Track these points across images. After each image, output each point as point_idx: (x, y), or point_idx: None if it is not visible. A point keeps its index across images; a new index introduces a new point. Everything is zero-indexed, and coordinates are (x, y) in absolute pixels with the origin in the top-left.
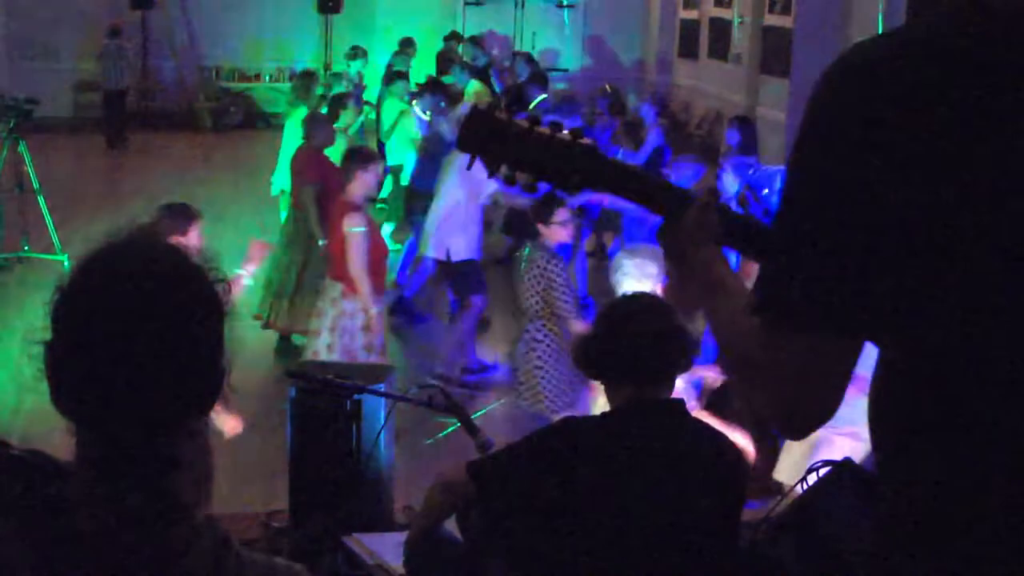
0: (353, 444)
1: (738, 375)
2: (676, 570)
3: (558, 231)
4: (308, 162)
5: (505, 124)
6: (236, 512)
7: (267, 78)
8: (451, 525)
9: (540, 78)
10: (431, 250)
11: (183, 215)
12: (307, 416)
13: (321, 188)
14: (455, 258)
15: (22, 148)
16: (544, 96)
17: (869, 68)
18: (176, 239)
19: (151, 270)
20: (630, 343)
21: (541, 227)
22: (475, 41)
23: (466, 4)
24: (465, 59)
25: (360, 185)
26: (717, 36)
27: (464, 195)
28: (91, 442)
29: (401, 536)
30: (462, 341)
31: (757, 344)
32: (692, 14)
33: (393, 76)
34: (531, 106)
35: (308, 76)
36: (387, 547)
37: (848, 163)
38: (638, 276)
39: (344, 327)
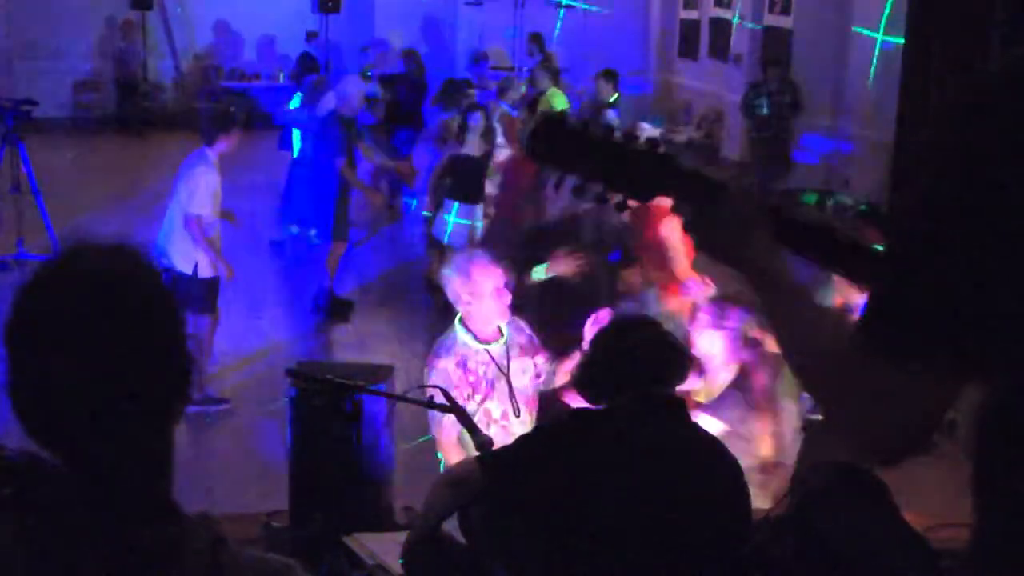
0: (353, 444)
1: (818, 388)
2: (685, 567)
3: None
4: None
5: (578, 133)
6: (236, 512)
7: (266, 78)
8: (451, 526)
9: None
10: None
11: None
12: (307, 416)
13: None
14: None
15: (20, 150)
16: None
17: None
18: None
19: (98, 274)
20: (628, 355)
21: None
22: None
23: (465, 4)
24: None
25: None
26: (717, 36)
27: None
28: (70, 454)
29: (401, 536)
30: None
31: (853, 364)
32: (692, 14)
33: None
34: None
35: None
36: (387, 547)
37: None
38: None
39: None
